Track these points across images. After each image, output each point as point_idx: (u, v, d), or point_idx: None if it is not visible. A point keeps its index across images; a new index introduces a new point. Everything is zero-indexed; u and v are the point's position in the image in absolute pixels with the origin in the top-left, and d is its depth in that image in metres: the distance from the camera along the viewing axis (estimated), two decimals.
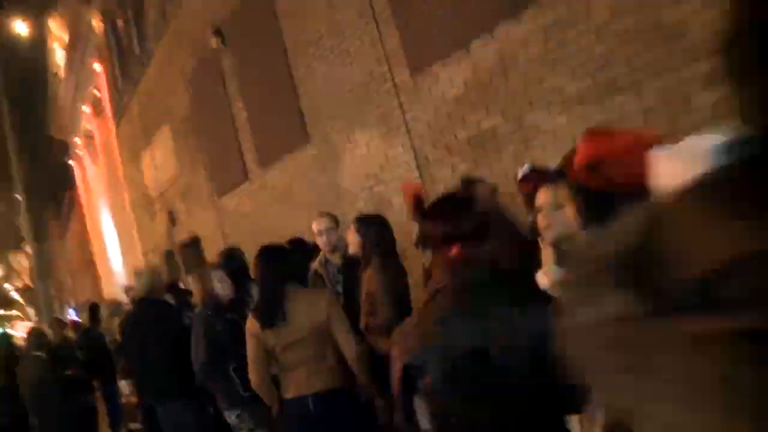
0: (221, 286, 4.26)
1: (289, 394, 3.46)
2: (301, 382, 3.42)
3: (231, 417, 4.13)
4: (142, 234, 15.84)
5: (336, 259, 4.64)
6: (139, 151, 14.32)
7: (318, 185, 7.41)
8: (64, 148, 28.89)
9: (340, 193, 6.99)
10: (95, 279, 27.61)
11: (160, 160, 12.98)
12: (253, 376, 3.50)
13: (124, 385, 7.73)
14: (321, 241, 4.62)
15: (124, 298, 10.28)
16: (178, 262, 12.69)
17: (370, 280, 3.94)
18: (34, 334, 6.89)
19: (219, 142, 9.79)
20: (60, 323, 8.55)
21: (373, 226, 4.13)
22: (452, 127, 5.53)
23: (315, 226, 4.66)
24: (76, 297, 34.19)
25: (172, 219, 12.69)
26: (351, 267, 4.48)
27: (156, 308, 5.45)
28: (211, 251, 11.01)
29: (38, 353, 6.51)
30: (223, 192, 10.05)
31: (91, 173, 24.47)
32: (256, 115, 8.54)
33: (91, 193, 25.57)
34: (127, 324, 5.44)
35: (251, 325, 3.47)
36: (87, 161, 24.64)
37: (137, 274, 5.54)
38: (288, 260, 3.59)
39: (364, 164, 6.59)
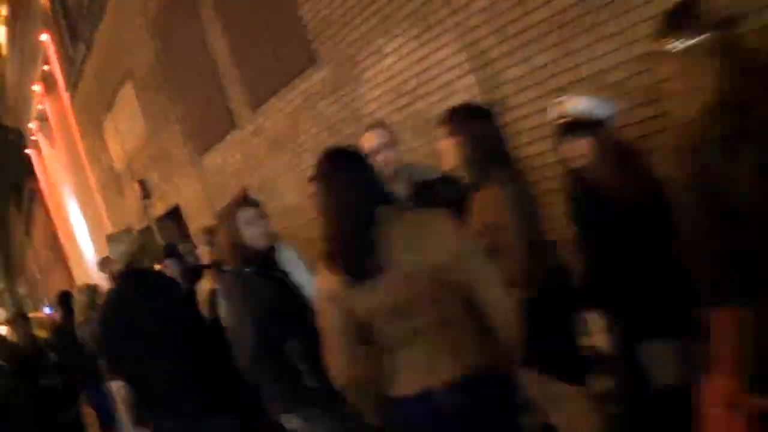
0: (253, 230, 2.77)
1: (400, 389, 2.03)
2: (419, 368, 2.00)
3: (291, 422, 2.65)
4: (113, 214, 14.12)
5: (402, 189, 3.19)
6: (100, 121, 12.55)
7: (331, 117, 5.88)
8: (19, 136, 26.70)
9: (361, 123, 5.49)
10: (67, 272, 25.73)
11: (124, 126, 11.27)
12: (335, 362, 2.05)
13: (117, 388, 6.21)
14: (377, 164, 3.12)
15: (100, 280, 8.72)
16: (158, 239, 11.10)
17: (487, 205, 2.53)
18: None
19: (196, 89, 8.17)
20: (22, 319, 6.74)
21: (480, 121, 2.67)
22: (523, 5, 4.05)
23: (366, 143, 3.18)
24: (49, 294, 32.20)
25: (145, 191, 11.04)
26: (431, 194, 3.05)
27: (150, 281, 3.95)
28: (195, 222, 9.45)
29: None
30: (205, 148, 8.45)
31: (50, 159, 22.46)
32: (243, 46, 6.91)
33: (52, 181, 23.57)
34: (110, 309, 3.89)
35: (325, 281, 2.02)
36: (44, 146, 22.60)
37: (112, 239, 3.99)
38: (372, 169, 2.11)
39: (394, 79, 5.09)
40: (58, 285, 30.49)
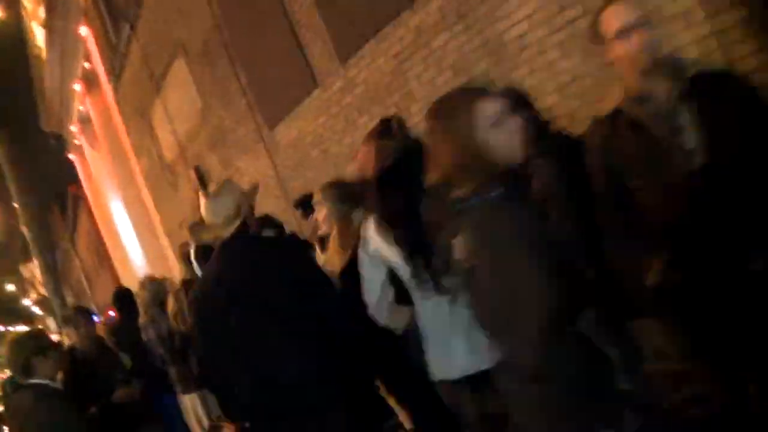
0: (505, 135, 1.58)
1: None
2: None
3: None
4: (164, 211, 13.08)
5: (662, 85, 2.07)
6: (147, 108, 11.51)
7: (453, 52, 4.64)
8: (61, 142, 26.06)
9: (503, 53, 4.23)
10: (113, 278, 24.99)
11: (175, 109, 10.18)
12: None
13: (191, 402, 5.07)
14: None
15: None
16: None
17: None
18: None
19: (264, 52, 7.00)
20: (83, 314, 5.35)
21: None
22: None
23: (613, 20, 2.00)
24: (96, 300, 31.61)
25: (201, 179, 9.94)
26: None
27: (265, 247, 2.76)
28: (265, 208, 8.30)
29: (39, 381, 3.33)
30: (276, 120, 7.27)
31: (94, 161, 21.67)
32: None
33: (96, 184, 22.79)
34: (208, 292, 2.69)
35: None
36: (87, 149, 21.83)
37: (218, 194, 2.82)
38: None
39: None
40: (104, 292, 29.83)
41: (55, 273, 39.36)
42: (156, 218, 14.43)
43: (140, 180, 14.40)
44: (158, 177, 12.32)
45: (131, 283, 21.83)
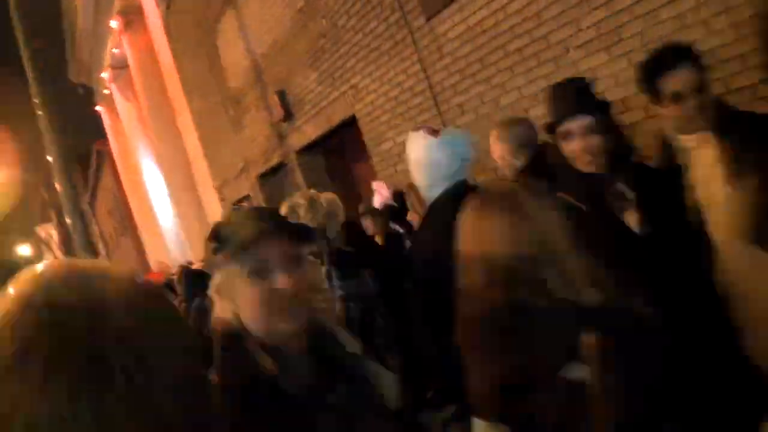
0: None
1: None
2: None
3: None
4: (216, 159, 10.69)
5: None
6: (211, 28, 9.10)
7: None
8: (88, 93, 23.75)
9: None
10: (137, 247, 22.70)
11: (255, 18, 7.74)
12: None
13: None
14: None
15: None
16: (299, 181, 7.60)
17: None
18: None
19: None
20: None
21: None
22: None
23: None
24: None
25: (286, 109, 7.48)
26: None
27: None
28: (381, 145, 5.91)
29: None
30: (438, 6, 4.85)
31: (125, 112, 19.33)
32: None
33: (125, 139, 20.47)
34: None
35: None
36: (118, 98, 19.48)
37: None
38: None
39: None
40: (125, 262, 27.56)
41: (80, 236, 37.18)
42: (201, 172, 12.03)
43: (186, 127, 12.01)
44: (214, 117, 9.91)
45: (157, 253, 19.50)
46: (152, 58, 14.31)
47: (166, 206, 17.93)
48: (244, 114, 8.75)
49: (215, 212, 12.12)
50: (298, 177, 7.59)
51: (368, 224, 4.53)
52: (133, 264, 23.49)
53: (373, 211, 4.67)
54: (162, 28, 12.10)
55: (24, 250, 38.60)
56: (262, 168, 8.60)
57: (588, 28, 3.72)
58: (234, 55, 8.58)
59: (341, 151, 7.36)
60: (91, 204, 29.31)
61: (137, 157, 18.94)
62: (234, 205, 10.13)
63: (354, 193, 7.04)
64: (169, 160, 15.26)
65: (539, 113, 3.88)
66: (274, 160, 8.14)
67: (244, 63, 8.31)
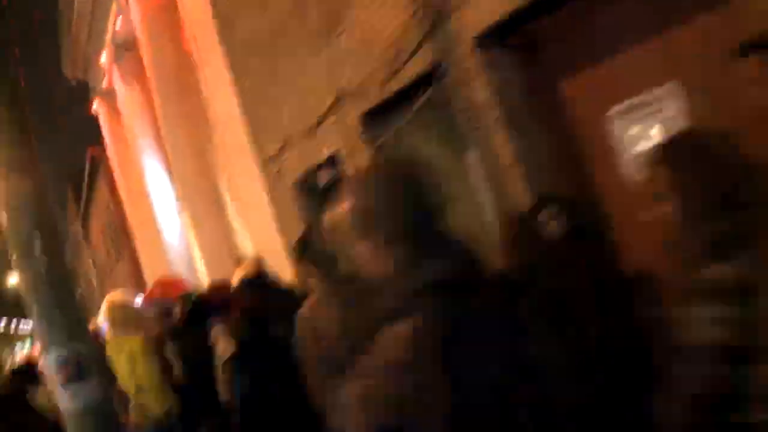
0: None
1: None
2: None
3: None
4: (281, 103, 6.64)
5: None
6: None
7: None
8: (83, 93, 19.97)
9: None
10: (135, 272, 18.58)
11: None
12: None
13: None
14: None
15: None
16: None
17: None
18: None
19: None
20: None
21: None
22: None
23: None
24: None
25: None
26: None
27: None
28: None
29: None
30: None
31: (127, 103, 15.44)
32: None
33: (125, 140, 16.57)
34: None
35: None
36: (120, 88, 15.62)
37: None
38: None
39: None
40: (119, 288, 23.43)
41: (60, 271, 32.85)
42: (233, 151, 8.05)
43: (217, 84, 8.07)
44: (278, 35, 5.94)
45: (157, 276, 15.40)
46: (176, 26, 10.54)
47: (172, 218, 13.98)
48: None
49: (252, 218, 8.14)
50: (478, 92, 3.63)
51: None
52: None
53: None
54: None
55: (13, 280, 34.38)
56: (381, 93, 4.55)
57: None
58: None
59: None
60: (84, 225, 25.23)
61: (139, 158, 15.02)
62: (305, 181, 6.18)
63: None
64: (186, 161, 11.31)
65: None
66: (413, 70, 4.14)
67: None
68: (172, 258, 13.91)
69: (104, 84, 17.03)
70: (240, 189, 8.33)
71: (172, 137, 11.66)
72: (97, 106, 18.52)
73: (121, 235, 18.48)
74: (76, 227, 26.98)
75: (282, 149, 6.32)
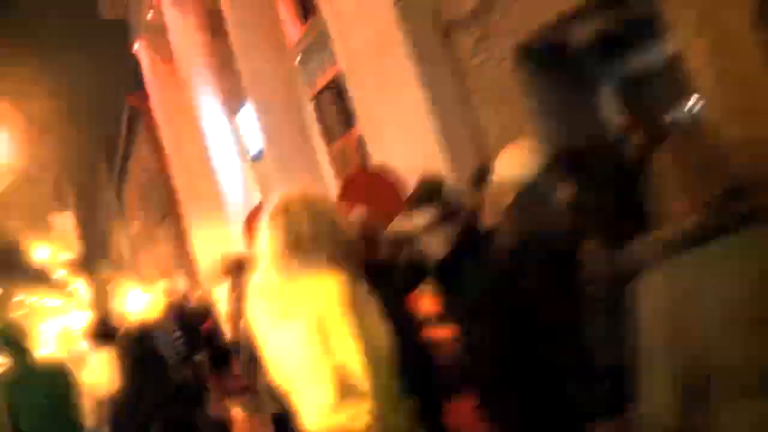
0: None
1: None
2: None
3: None
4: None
5: None
6: None
7: None
8: (122, 32, 17.34)
9: None
10: (179, 238, 16.00)
11: None
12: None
13: None
14: None
15: None
16: None
17: None
18: None
19: None
20: None
21: None
22: None
23: None
24: (142, 276, 22.68)
25: None
26: None
27: None
28: None
29: None
30: None
31: (181, 40, 12.73)
32: None
33: (175, 87, 13.93)
34: None
35: None
36: (173, 20, 12.89)
37: None
38: None
39: None
40: (158, 263, 20.92)
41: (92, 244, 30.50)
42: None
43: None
44: None
45: (207, 249, 13.00)
46: None
47: (236, 172, 11.40)
48: None
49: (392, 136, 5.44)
50: None
51: None
52: (167, 268, 16.87)
53: None
54: None
55: (42, 253, 32.23)
56: None
57: None
58: None
59: None
60: (119, 188, 22.70)
61: (193, 102, 12.33)
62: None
63: None
64: (265, 83, 8.56)
65: None
66: None
67: None
68: (235, 223, 11.27)
69: (149, 16, 14.35)
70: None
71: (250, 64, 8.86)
72: (138, 47, 15.85)
73: (163, 197, 15.89)
74: (110, 194, 24.55)
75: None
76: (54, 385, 3.45)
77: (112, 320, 5.00)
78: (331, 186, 8.18)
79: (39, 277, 37.95)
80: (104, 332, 4.25)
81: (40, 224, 24.74)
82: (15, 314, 40.44)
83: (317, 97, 9.45)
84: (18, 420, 3.26)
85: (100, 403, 3.78)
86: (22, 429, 3.26)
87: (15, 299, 45.58)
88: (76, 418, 3.40)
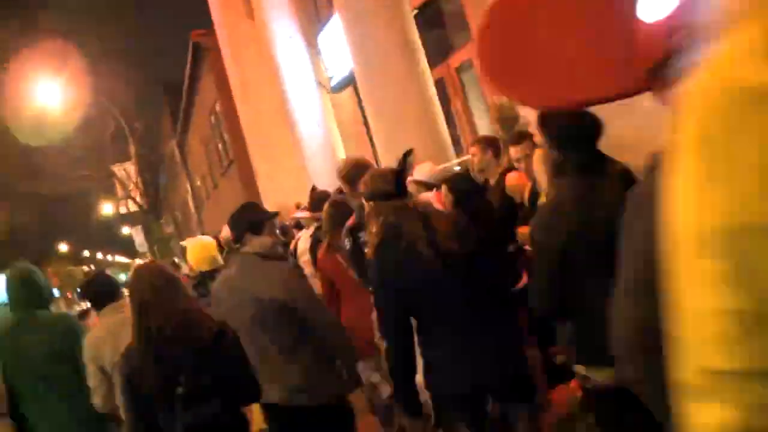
0: None
1: None
2: None
3: None
4: None
5: None
6: None
7: None
8: None
9: None
10: (247, 188, 14.76)
11: None
12: None
13: None
14: None
15: None
16: None
17: None
18: None
19: None
20: None
21: None
22: None
23: None
24: (205, 229, 21.80)
25: None
26: None
27: None
28: None
29: None
30: None
31: None
32: None
33: (246, 20, 12.49)
34: None
35: None
36: None
37: None
38: None
39: None
40: (224, 218, 19.86)
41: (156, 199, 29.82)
42: None
43: None
44: None
45: (278, 192, 11.77)
46: None
47: (315, 111, 9.94)
48: None
49: None
50: None
51: None
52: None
53: None
54: None
55: (107, 208, 31.90)
56: None
57: None
58: None
59: None
60: (182, 136, 21.67)
61: (267, 35, 10.83)
62: None
63: None
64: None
65: None
66: None
67: None
68: (314, 168, 9.85)
69: None
70: None
71: None
72: None
73: (229, 143, 14.61)
74: (172, 145, 23.58)
75: None
76: (54, 333, 3.44)
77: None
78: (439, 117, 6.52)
79: (105, 233, 37.89)
80: None
81: (102, 174, 24.08)
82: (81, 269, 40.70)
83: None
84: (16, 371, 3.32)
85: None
86: (24, 375, 3.34)
87: (82, 255, 46.09)
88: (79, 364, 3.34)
